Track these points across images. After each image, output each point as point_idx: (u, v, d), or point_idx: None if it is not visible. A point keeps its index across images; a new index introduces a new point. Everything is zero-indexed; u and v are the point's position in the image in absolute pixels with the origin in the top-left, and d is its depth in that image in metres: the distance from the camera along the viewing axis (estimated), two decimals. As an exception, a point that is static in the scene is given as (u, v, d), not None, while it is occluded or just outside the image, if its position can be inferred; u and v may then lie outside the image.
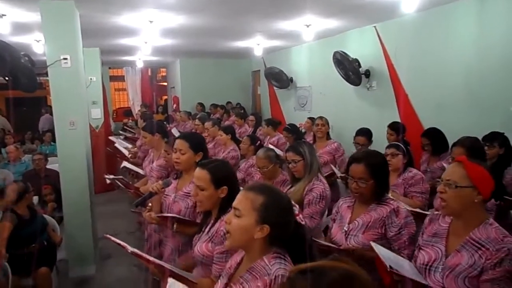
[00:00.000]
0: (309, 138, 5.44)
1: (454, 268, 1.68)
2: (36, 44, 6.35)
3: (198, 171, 2.00)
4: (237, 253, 1.59)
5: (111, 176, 3.87)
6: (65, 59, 3.98)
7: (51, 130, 7.91)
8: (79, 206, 4.22)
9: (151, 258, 1.88)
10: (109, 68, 12.81)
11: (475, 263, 1.63)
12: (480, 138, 3.33)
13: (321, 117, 4.84)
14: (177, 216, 2.31)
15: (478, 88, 4.21)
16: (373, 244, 1.87)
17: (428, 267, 1.76)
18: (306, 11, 4.93)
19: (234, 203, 1.47)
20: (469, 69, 4.33)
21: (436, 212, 1.93)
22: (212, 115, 8.84)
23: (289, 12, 4.96)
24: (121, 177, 3.71)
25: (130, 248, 1.89)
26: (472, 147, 2.90)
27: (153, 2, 4.18)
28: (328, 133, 4.85)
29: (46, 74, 4.09)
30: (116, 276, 4.27)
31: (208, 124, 5.58)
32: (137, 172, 4.32)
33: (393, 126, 4.52)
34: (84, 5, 4.25)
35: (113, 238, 2.00)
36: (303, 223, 1.50)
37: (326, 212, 2.96)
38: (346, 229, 2.17)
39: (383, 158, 2.26)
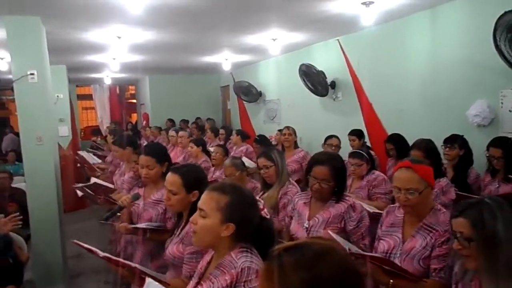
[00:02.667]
0: (279, 150, 5.57)
1: (409, 251, 1.84)
2: (0, 62, 6.22)
3: (170, 176, 2.04)
4: (207, 254, 1.63)
5: (80, 184, 3.84)
6: (32, 74, 3.95)
7: (15, 150, 7.70)
8: (47, 224, 4.13)
9: (122, 261, 1.91)
10: (77, 86, 12.60)
11: (427, 245, 1.80)
12: (437, 140, 3.53)
13: (287, 127, 4.99)
14: (149, 227, 2.36)
15: (434, 94, 4.46)
16: (329, 231, 2.02)
17: (388, 255, 1.90)
18: (272, 25, 5.10)
19: (199, 204, 1.51)
20: (424, 77, 4.58)
21: (392, 205, 2.07)
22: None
23: (255, 26, 5.12)
24: (90, 183, 3.68)
25: (101, 253, 1.91)
26: (427, 149, 3.08)
27: (121, 18, 4.22)
28: (295, 142, 5.00)
29: (10, 92, 4.03)
30: (86, 294, 4.19)
31: (183, 133, 5.69)
32: (107, 187, 4.28)
33: (354, 133, 4.75)
34: (50, 21, 4.25)
35: (82, 244, 2.02)
36: (268, 216, 1.55)
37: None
38: (307, 226, 2.29)
39: (343, 161, 2.43)
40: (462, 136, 3.55)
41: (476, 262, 1.43)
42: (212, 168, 4.62)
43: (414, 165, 1.85)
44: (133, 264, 1.92)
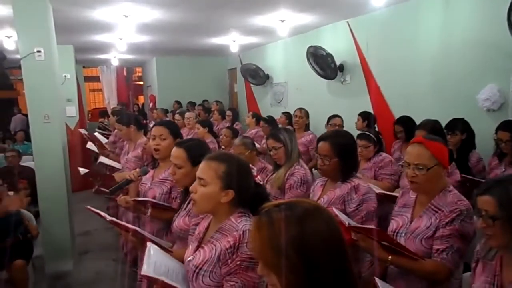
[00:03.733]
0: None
1: (414, 231, 1.82)
2: (7, 40, 6.22)
3: (175, 150, 2.06)
4: (204, 220, 1.70)
5: (85, 170, 3.87)
6: (39, 51, 3.95)
7: (24, 130, 7.76)
8: (55, 201, 4.18)
9: (130, 226, 1.94)
10: (84, 67, 12.61)
11: (431, 225, 1.77)
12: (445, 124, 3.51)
13: (300, 109, 4.96)
14: (151, 200, 2.33)
15: (443, 78, 4.40)
16: (333, 208, 2.00)
17: (395, 234, 1.89)
18: (280, 6, 5.02)
19: (198, 173, 1.57)
20: (434, 61, 4.51)
21: (407, 187, 2.05)
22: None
23: (264, 7, 5.05)
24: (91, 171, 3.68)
25: (109, 217, 1.95)
26: (432, 129, 3.06)
27: (128, -4, 4.19)
28: (307, 125, 4.98)
29: (18, 72, 4.04)
30: (94, 270, 4.26)
31: (190, 114, 5.74)
32: (113, 167, 4.31)
33: (360, 113, 4.74)
34: (57, -2, 4.23)
35: (92, 209, 2.07)
36: (261, 183, 1.62)
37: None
38: None
39: (351, 138, 2.33)
40: (463, 119, 3.51)
41: (500, 241, 1.41)
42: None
43: (426, 141, 1.81)
44: (139, 230, 1.94)
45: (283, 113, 6.08)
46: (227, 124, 6.55)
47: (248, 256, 1.42)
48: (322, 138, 2.26)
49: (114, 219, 1.96)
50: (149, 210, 2.30)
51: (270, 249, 0.98)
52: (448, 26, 4.34)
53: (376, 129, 4.64)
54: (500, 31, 3.46)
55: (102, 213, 2.00)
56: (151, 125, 7.17)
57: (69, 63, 7.54)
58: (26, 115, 4.40)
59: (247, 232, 1.45)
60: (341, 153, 2.18)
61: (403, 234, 1.86)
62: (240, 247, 1.44)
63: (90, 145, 5.19)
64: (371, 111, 5.09)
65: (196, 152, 2.00)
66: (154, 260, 1.54)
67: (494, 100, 3.79)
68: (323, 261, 0.97)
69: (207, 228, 1.64)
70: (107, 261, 4.35)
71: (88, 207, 2.12)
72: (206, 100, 10.02)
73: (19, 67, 4.04)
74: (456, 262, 1.72)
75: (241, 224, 1.49)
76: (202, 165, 1.58)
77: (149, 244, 1.65)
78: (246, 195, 1.55)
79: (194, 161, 1.97)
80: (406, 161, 1.83)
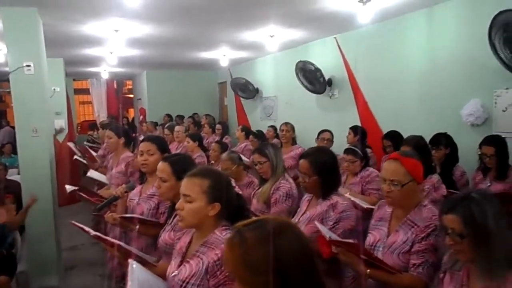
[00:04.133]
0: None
1: (391, 245, 1.86)
2: (-4, 53, 6.21)
3: (161, 164, 2.09)
4: (185, 235, 1.73)
5: (72, 188, 3.81)
6: (28, 66, 3.95)
7: (11, 143, 7.69)
8: (41, 215, 4.13)
9: (114, 240, 1.94)
10: (74, 80, 12.58)
11: (408, 239, 1.81)
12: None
13: (286, 123, 5.00)
14: (138, 216, 2.33)
15: (429, 93, 4.49)
16: (316, 222, 2.04)
17: (373, 247, 1.92)
18: (269, 22, 5.10)
19: (182, 190, 1.60)
20: (420, 76, 4.61)
21: (383, 200, 2.09)
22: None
23: (253, 23, 5.13)
24: (78, 188, 3.63)
25: (93, 232, 1.94)
26: (417, 145, 3.10)
27: (118, 11, 4.22)
28: (293, 139, 5.01)
29: (7, 85, 4.03)
30: (80, 286, 4.21)
31: (179, 128, 5.77)
32: (102, 182, 4.27)
33: (352, 128, 4.77)
34: (47, 13, 4.24)
35: (77, 224, 2.08)
36: (240, 192, 1.67)
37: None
38: (297, 220, 2.29)
39: (331, 156, 2.33)
40: (446, 133, 3.57)
41: (468, 256, 1.46)
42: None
43: (401, 158, 1.86)
44: (124, 245, 1.95)
45: (270, 126, 6.13)
46: (217, 138, 6.57)
47: None
48: (303, 156, 2.30)
49: (98, 234, 1.95)
50: (137, 227, 2.29)
51: (244, 268, 1.02)
52: (432, 43, 4.45)
53: (368, 145, 4.69)
54: (483, 48, 3.56)
55: (86, 228, 2.00)
56: (140, 138, 7.18)
57: (59, 76, 7.53)
58: (14, 128, 4.37)
59: None
60: (321, 171, 2.19)
61: (381, 248, 1.89)
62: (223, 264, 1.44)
63: (78, 157, 5.17)
64: (359, 125, 5.15)
65: (180, 166, 2.03)
66: (137, 277, 1.54)
67: (477, 115, 3.87)
68: (296, 275, 1.00)
69: (189, 243, 1.66)
70: (94, 276, 4.29)
71: (73, 222, 2.12)
72: (196, 114, 10.05)
73: (8, 81, 4.03)
74: (431, 275, 1.77)
75: (226, 237, 1.50)
76: (185, 182, 1.61)
77: (130, 261, 1.65)
78: (230, 207, 1.60)
79: (179, 176, 1.99)
80: (382, 176, 1.88)
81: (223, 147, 4.66)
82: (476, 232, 1.41)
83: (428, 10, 4.46)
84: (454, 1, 4.15)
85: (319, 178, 2.19)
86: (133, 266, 1.62)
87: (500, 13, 3.27)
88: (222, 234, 1.54)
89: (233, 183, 1.70)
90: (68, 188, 3.82)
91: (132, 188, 2.53)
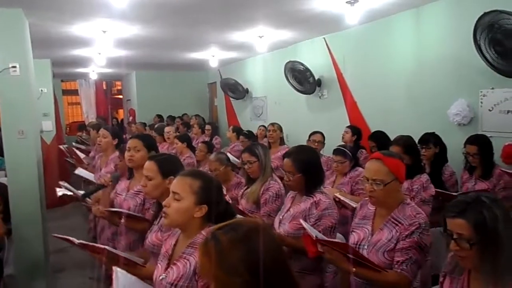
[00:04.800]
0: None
1: (376, 243, 1.88)
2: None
3: (147, 163, 2.12)
4: (170, 238, 1.73)
5: (62, 191, 3.76)
6: (14, 67, 3.90)
7: (-2, 144, 7.59)
8: (29, 218, 4.08)
9: (99, 245, 1.94)
10: (62, 81, 12.45)
11: (392, 237, 1.84)
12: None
13: (273, 124, 5.02)
14: (125, 211, 2.38)
15: (417, 93, 4.54)
16: (301, 220, 2.07)
17: (357, 246, 1.94)
18: (259, 22, 5.12)
19: (173, 188, 1.61)
20: (408, 76, 4.66)
21: (366, 199, 2.11)
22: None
23: (242, 23, 5.13)
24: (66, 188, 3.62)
25: (77, 241, 1.94)
26: (405, 145, 3.13)
27: (105, 11, 4.19)
28: (281, 139, 5.03)
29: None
30: (69, 289, 4.16)
31: (169, 129, 5.76)
32: (89, 180, 4.25)
33: (350, 127, 4.75)
34: (33, 13, 4.19)
35: (59, 236, 2.05)
36: (230, 202, 1.67)
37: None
38: (281, 217, 2.33)
39: (313, 154, 2.40)
40: (434, 133, 3.59)
41: (474, 263, 1.39)
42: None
43: (384, 157, 1.89)
44: (110, 249, 1.95)
45: (261, 126, 6.14)
46: (207, 139, 6.56)
47: None
48: (286, 155, 2.34)
49: (82, 241, 1.96)
50: (123, 221, 2.35)
51: (220, 270, 1.04)
52: (420, 43, 4.50)
53: (362, 145, 4.69)
54: (469, 49, 3.60)
55: (70, 238, 2.01)
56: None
57: (46, 77, 7.44)
58: (0, 130, 4.33)
59: None
60: (304, 168, 2.24)
61: (365, 247, 1.92)
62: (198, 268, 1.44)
63: (67, 158, 5.13)
64: (349, 124, 5.19)
65: (167, 165, 2.07)
66: (123, 284, 1.54)
67: (464, 115, 3.92)
68: (271, 275, 1.04)
69: (175, 245, 1.66)
70: (83, 278, 4.25)
71: (55, 235, 2.12)
72: (186, 114, 10.02)
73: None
74: (415, 272, 1.80)
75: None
76: (176, 180, 1.63)
77: (115, 268, 1.65)
78: (217, 211, 1.59)
79: (164, 174, 2.03)
80: (365, 175, 1.91)
81: (210, 147, 4.65)
82: (486, 239, 1.34)
83: (415, 11, 4.50)
84: (440, 2, 4.20)
85: (302, 176, 2.24)
86: (118, 273, 1.61)
87: (485, 14, 3.31)
88: None
89: (224, 191, 1.72)
90: (59, 191, 3.78)
91: (117, 179, 2.57)
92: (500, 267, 1.34)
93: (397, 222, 1.85)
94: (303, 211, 2.23)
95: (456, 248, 1.39)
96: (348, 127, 4.79)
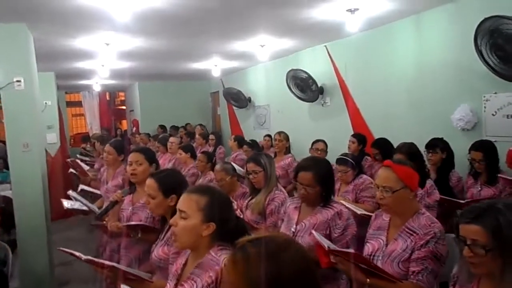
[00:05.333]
0: (268, 155, 5.60)
1: (391, 254, 1.86)
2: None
3: (148, 180, 2.11)
4: (180, 256, 1.67)
5: (69, 203, 3.74)
6: (18, 81, 3.94)
7: (3, 158, 7.62)
8: (34, 231, 4.09)
9: (106, 262, 1.93)
10: (66, 93, 12.54)
11: (407, 247, 1.82)
12: (423, 144, 3.59)
13: (279, 133, 5.01)
14: (143, 224, 2.38)
15: (419, 98, 4.54)
16: (313, 231, 2.04)
17: (372, 257, 1.92)
18: (260, 32, 5.15)
19: (179, 206, 1.55)
20: (410, 82, 4.66)
21: (380, 210, 2.10)
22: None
23: (243, 33, 5.16)
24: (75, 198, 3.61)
25: (84, 256, 1.93)
26: (409, 152, 3.13)
27: (108, 25, 4.23)
28: (287, 148, 5.01)
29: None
30: (74, 302, 4.15)
31: (174, 139, 5.79)
32: (95, 193, 4.26)
33: (355, 136, 4.70)
34: (37, 27, 4.24)
35: (66, 249, 2.04)
36: (241, 216, 1.61)
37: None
38: (294, 230, 2.29)
39: (329, 165, 2.41)
40: (442, 138, 3.59)
41: (488, 270, 1.38)
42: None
43: (394, 165, 1.89)
44: (116, 265, 1.94)
45: (267, 135, 6.14)
46: (210, 148, 6.57)
47: None
48: (303, 168, 2.28)
49: (90, 257, 1.95)
50: (139, 233, 2.35)
51: (246, 284, 1.00)
52: (421, 50, 4.50)
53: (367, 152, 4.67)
54: (470, 54, 3.60)
55: (77, 253, 2.00)
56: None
57: (50, 89, 7.50)
58: (5, 143, 4.35)
59: None
60: (323, 181, 2.23)
61: (380, 257, 1.90)
62: (222, 282, 1.41)
63: (72, 170, 5.14)
64: (352, 132, 5.18)
65: (168, 183, 2.05)
66: None
67: (467, 120, 3.91)
68: None
69: (184, 265, 1.61)
70: (88, 291, 4.24)
71: (61, 248, 2.11)
72: (189, 124, 10.04)
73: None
74: (431, 283, 1.77)
75: (222, 258, 1.46)
76: (183, 197, 1.58)
77: (122, 287, 1.63)
78: (227, 228, 1.53)
79: (166, 192, 2.01)
80: (376, 183, 1.92)
81: (210, 157, 4.65)
82: (501, 245, 1.33)
83: (415, 17, 4.52)
84: (441, 8, 4.21)
85: (321, 188, 2.23)
86: None
87: (485, 19, 3.32)
88: (217, 255, 1.49)
89: (234, 205, 1.66)
90: (66, 203, 3.77)
91: (128, 194, 2.57)
92: None
93: (412, 232, 1.84)
94: (325, 222, 2.20)
95: (470, 254, 1.37)
96: (353, 136, 4.74)
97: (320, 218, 2.22)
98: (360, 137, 4.65)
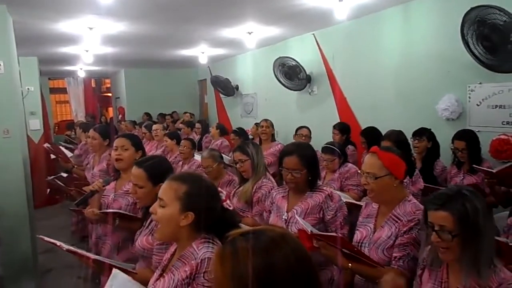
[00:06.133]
0: (256, 143, 5.59)
1: (376, 241, 1.87)
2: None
3: (135, 170, 2.04)
4: (172, 246, 1.62)
5: (51, 177, 3.72)
6: (-3, 65, 3.83)
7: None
8: (16, 218, 4.01)
9: (88, 254, 1.89)
10: (49, 79, 12.28)
11: (391, 234, 1.83)
12: (409, 133, 3.61)
13: (265, 120, 5.00)
14: (120, 211, 2.33)
15: (406, 88, 4.56)
16: (296, 216, 2.05)
17: (359, 244, 1.94)
18: (248, 19, 5.08)
19: (159, 194, 1.50)
20: (397, 72, 4.67)
21: (367, 197, 2.11)
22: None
23: (231, 20, 5.09)
24: (60, 175, 3.59)
25: (65, 246, 1.89)
26: (397, 139, 3.15)
27: (91, 8, 4.13)
28: (273, 135, 5.01)
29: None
30: (59, 289, 4.11)
31: (157, 126, 5.72)
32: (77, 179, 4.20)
33: (337, 127, 4.69)
34: (17, 10, 4.11)
35: (46, 239, 2.00)
36: (230, 208, 1.56)
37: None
38: (286, 218, 2.27)
39: (312, 149, 2.40)
40: (430, 129, 3.63)
41: (455, 255, 1.42)
42: (180, 163, 4.57)
43: (379, 152, 1.89)
44: (99, 257, 1.90)
45: (256, 124, 6.12)
46: (197, 136, 6.52)
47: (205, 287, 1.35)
48: (287, 153, 2.27)
49: (71, 248, 1.91)
50: (117, 221, 2.30)
51: (233, 281, 0.93)
52: (408, 39, 4.50)
53: (352, 141, 4.67)
54: (456, 44, 3.61)
55: (58, 243, 1.95)
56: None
57: (33, 75, 7.32)
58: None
59: (206, 260, 1.37)
60: (308, 164, 2.23)
61: (367, 245, 1.92)
62: (197, 277, 1.36)
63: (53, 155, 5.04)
64: (338, 121, 5.19)
65: (156, 171, 2.00)
66: (119, 284, 1.49)
67: (452, 110, 3.94)
68: None
69: (172, 255, 1.56)
70: (71, 278, 4.20)
71: (41, 236, 2.06)
72: (175, 111, 9.95)
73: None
74: (412, 269, 1.77)
75: (201, 252, 1.40)
76: (164, 185, 1.51)
77: (114, 270, 1.59)
78: (208, 219, 1.45)
79: (155, 181, 1.96)
80: (362, 168, 1.92)
81: (194, 143, 4.61)
82: (468, 230, 1.37)
83: (403, 6, 4.51)
84: (428, -3, 4.22)
85: (307, 172, 2.22)
86: (118, 276, 1.56)
87: (472, 9, 3.32)
88: (198, 248, 1.41)
89: (222, 196, 1.56)
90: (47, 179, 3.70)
91: (109, 183, 2.55)
92: (480, 258, 1.37)
93: (397, 219, 1.85)
94: (317, 206, 2.21)
95: (438, 240, 1.41)
96: (334, 127, 4.72)
97: (312, 202, 2.23)
98: (342, 126, 4.66)
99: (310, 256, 0.99)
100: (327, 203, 2.20)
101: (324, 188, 2.30)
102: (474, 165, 3.06)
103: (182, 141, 4.61)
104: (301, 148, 2.31)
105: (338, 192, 2.85)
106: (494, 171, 2.76)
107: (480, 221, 1.39)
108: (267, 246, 0.95)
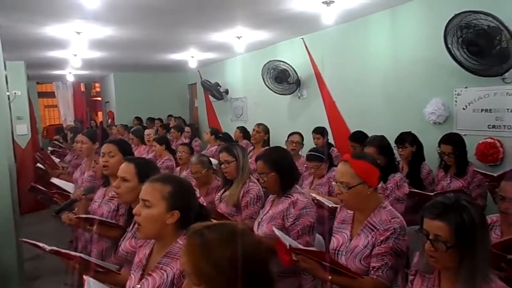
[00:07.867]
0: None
1: (353, 250, 1.86)
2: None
3: (125, 164, 2.05)
4: (143, 247, 1.66)
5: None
6: (-18, 69, 3.78)
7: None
8: (1, 225, 3.94)
9: (72, 253, 1.88)
10: (37, 83, 12.18)
11: (368, 243, 1.82)
12: (395, 137, 3.62)
13: (258, 124, 5.01)
14: (96, 217, 2.30)
15: (394, 92, 4.58)
16: (274, 228, 2.02)
17: (336, 252, 1.93)
18: (237, 23, 5.09)
19: (142, 195, 1.56)
20: (385, 76, 4.70)
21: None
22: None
23: (220, 24, 5.09)
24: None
25: (48, 247, 1.88)
26: (380, 145, 3.14)
27: (78, 12, 4.09)
28: (265, 140, 4.99)
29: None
30: (45, 297, 4.05)
31: (150, 131, 5.72)
32: (64, 190, 4.13)
33: (317, 131, 4.77)
34: (3, 14, 4.07)
35: (29, 241, 1.98)
36: (204, 204, 1.66)
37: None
38: (260, 220, 2.31)
39: (283, 152, 2.44)
40: (410, 132, 3.61)
41: (447, 265, 1.40)
42: (178, 168, 4.54)
43: (351, 160, 1.87)
44: (83, 256, 1.90)
45: (238, 127, 6.12)
46: (186, 141, 6.49)
47: None
48: (257, 158, 2.34)
49: (54, 248, 1.89)
50: (95, 227, 2.26)
51: (207, 264, 1.05)
52: (395, 43, 4.54)
53: (331, 143, 4.72)
54: (442, 48, 3.64)
55: (40, 244, 1.93)
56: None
57: (20, 79, 7.22)
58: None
59: None
60: (276, 167, 2.24)
61: (344, 253, 1.90)
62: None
63: (39, 164, 4.98)
64: (328, 125, 5.21)
65: (145, 169, 2.00)
66: None
67: (439, 114, 3.98)
68: (257, 278, 1.07)
69: (149, 255, 1.60)
70: (58, 285, 4.14)
71: (23, 239, 2.04)
72: (171, 115, 9.90)
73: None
74: (391, 278, 1.77)
75: None
76: (145, 187, 1.57)
77: (86, 278, 1.60)
78: (191, 215, 1.54)
79: (142, 178, 1.95)
80: (335, 178, 1.91)
81: (192, 149, 4.59)
82: (463, 242, 1.35)
83: (390, 11, 4.55)
84: (414, 2, 4.25)
85: (276, 174, 2.23)
86: (90, 282, 1.57)
87: (455, 15, 3.35)
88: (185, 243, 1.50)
89: (196, 193, 1.67)
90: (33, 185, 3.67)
91: (91, 191, 2.50)
92: (475, 270, 1.35)
93: (373, 228, 1.83)
94: (281, 212, 2.21)
95: (431, 249, 1.39)
96: (314, 132, 4.77)
97: (280, 207, 2.23)
98: (322, 130, 4.76)
99: (269, 250, 1.18)
100: (289, 210, 2.19)
101: (295, 193, 2.25)
102: (476, 169, 3.07)
103: (180, 146, 4.58)
104: (269, 152, 2.37)
105: (323, 199, 2.86)
106: (495, 174, 2.78)
107: (477, 233, 1.36)
108: (230, 236, 1.09)
